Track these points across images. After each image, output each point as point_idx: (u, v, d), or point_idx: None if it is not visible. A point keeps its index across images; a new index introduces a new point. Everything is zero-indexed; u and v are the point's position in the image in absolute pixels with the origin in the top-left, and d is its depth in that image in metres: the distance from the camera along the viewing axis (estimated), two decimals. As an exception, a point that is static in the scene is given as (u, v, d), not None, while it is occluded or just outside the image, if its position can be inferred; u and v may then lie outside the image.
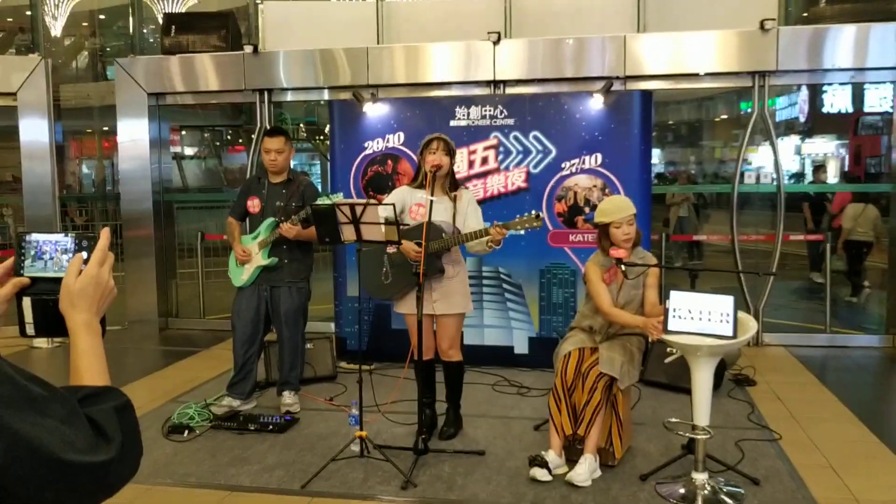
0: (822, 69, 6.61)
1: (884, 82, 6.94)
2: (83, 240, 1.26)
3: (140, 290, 7.81)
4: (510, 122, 6.00)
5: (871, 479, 3.85)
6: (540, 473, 3.79)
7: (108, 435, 1.05)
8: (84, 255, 1.23)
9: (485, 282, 6.08)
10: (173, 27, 7.59)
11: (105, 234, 1.24)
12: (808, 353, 6.51)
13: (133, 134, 7.73)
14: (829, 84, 9.44)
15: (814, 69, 6.63)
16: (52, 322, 1.22)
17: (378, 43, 7.31)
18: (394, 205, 4.00)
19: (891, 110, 7.32)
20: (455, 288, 4.33)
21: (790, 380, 5.69)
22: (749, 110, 6.91)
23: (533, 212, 4.09)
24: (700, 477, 3.63)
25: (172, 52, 7.53)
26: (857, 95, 12.12)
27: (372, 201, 4.07)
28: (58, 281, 1.22)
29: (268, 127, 7.37)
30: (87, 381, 1.14)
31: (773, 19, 6.40)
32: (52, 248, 1.27)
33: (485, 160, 6.05)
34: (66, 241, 1.27)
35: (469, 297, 4.45)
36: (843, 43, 6.42)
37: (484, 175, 6.05)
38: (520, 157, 6.00)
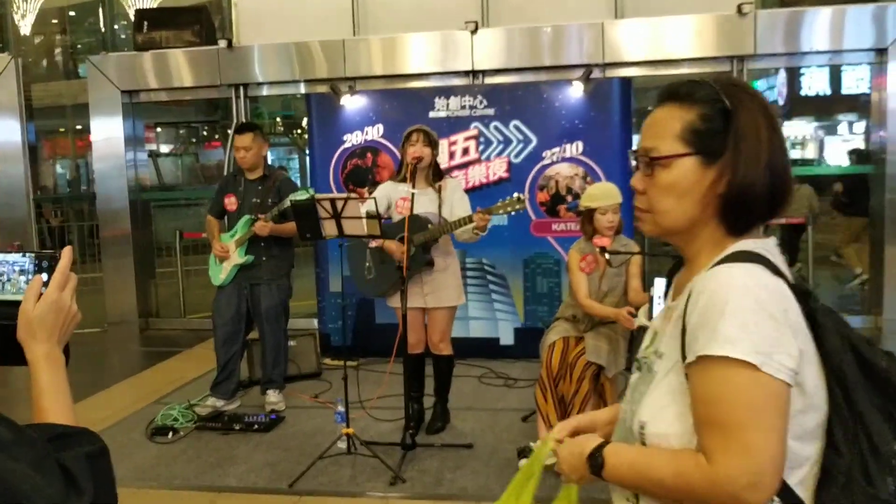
0: (800, 52, 6.62)
1: (860, 64, 6.95)
2: (42, 260, 1.14)
3: (119, 291, 7.70)
4: (490, 112, 5.95)
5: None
6: (529, 465, 3.76)
7: (79, 486, 0.92)
8: (44, 276, 1.11)
9: (469, 273, 6.04)
10: (145, 23, 7.48)
11: (66, 254, 1.13)
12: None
13: (107, 132, 7.61)
14: (808, 67, 9.44)
15: (792, 52, 6.64)
16: (12, 350, 1.10)
17: (354, 34, 7.24)
18: (375, 199, 3.95)
19: (868, 91, 7.34)
20: (447, 281, 4.29)
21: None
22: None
23: (515, 194, 4.06)
24: (689, 464, 3.61)
25: (145, 48, 7.42)
26: (835, 77, 12.21)
27: (353, 195, 4.02)
28: (16, 304, 1.10)
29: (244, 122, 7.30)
30: (51, 421, 1.04)
31: (751, 3, 6.39)
32: (9, 269, 1.16)
33: (466, 151, 6.01)
34: (24, 261, 1.15)
35: (461, 288, 4.42)
36: (819, 26, 6.42)
37: (465, 166, 6.01)
38: (501, 146, 5.96)
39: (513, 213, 4.10)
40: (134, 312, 7.72)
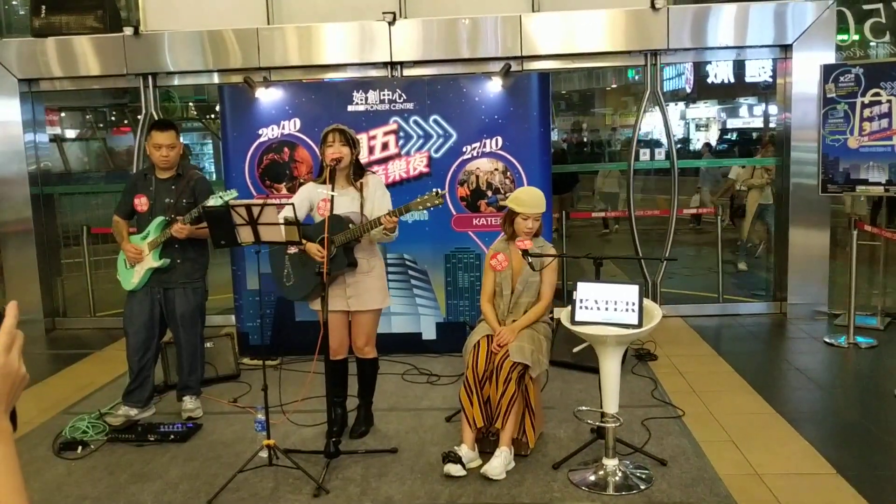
0: (709, 47, 6.79)
1: (765, 58, 7.19)
2: None
3: (21, 288, 7.31)
4: (409, 106, 5.89)
5: (769, 451, 4.02)
6: (454, 469, 3.76)
7: None
8: None
9: (390, 269, 5.98)
10: (43, 7, 7.06)
11: (11, 311, 0.99)
12: (703, 322, 6.77)
13: (4, 121, 7.18)
14: (718, 60, 9.73)
15: (702, 47, 6.79)
16: None
17: (268, 23, 7.02)
18: (293, 205, 3.85)
19: (770, 80, 7.59)
20: (371, 283, 4.23)
21: (689, 352, 5.89)
22: (635, 77, 7.04)
23: (434, 189, 4.03)
24: (611, 463, 3.69)
25: (43, 34, 7.01)
26: (739, 65, 12.73)
27: (270, 200, 3.90)
28: None
29: (154, 115, 7.02)
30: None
31: (663, -2, 6.51)
32: None
33: (385, 146, 5.93)
34: None
35: (386, 291, 4.36)
36: (725, 22, 6.60)
37: (385, 161, 5.93)
38: (421, 141, 5.91)
39: (432, 207, 4.05)
40: (39, 311, 7.36)
